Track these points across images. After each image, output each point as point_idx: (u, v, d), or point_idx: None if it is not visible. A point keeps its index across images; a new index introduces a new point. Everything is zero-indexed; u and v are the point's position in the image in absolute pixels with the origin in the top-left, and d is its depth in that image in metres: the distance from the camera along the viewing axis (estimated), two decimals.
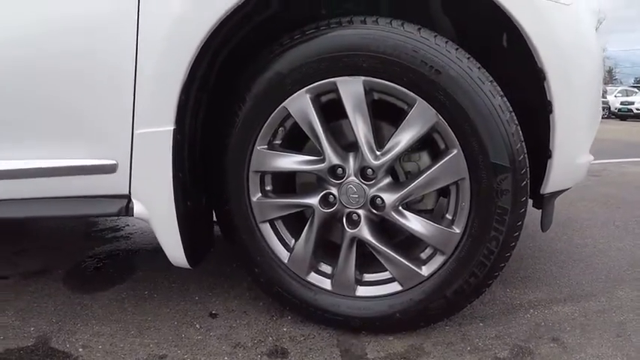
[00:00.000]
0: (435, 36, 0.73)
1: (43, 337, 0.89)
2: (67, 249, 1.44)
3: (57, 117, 0.77)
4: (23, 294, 1.10)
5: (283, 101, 0.78)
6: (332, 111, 0.81)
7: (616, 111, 13.85)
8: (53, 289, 1.12)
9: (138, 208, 0.79)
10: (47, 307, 1.02)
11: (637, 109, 13.27)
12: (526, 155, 0.76)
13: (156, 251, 1.33)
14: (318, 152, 0.81)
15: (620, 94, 14.75)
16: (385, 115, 0.82)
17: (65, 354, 0.83)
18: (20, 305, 1.03)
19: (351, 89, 0.75)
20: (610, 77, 41.35)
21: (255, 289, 1.03)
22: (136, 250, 1.41)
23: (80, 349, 0.85)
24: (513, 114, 0.76)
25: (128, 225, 1.68)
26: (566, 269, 1.25)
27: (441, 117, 0.73)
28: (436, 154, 0.81)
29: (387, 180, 0.80)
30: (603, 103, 12.92)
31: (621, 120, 13.66)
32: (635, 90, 15.58)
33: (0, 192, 0.83)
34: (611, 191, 2.39)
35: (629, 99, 13.93)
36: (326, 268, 0.89)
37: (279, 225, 0.88)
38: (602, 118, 10.24)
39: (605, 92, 13.27)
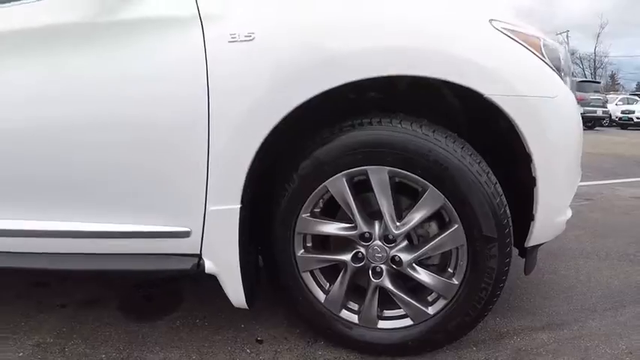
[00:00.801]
0: (446, 137, 0.99)
1: None
2: (113, 279, 1.67)
3: (144, 195, 1.02)
4: (85, 322, 1.33)
5: (324, 182, 1.03)
6: (362, 184, 1.06)
7: (617, 120, 14.12)
8: (112, 318, 1.35)
9: (208, 265, 1.04)
10: (111, 335, 1.26)
11: (637, 118, 13.59)
12: (511, 228, 1.02)
13: (195, 280, 1.58)
14: (350, 219, 1.07)
15: (621, 102, 15.04)
16: (404, 191, 1.07)
17: None
18: (85, 333, 1.27)
19: (378, 176, 1.00)
20: (613, 82, 41.58)
21: (290, 318, 1.28)
22: (176, 278, 1.65)
23: None
24: (503, 197, 1.01)
25: None
26: (549, 299, 1.51)
27: (447, 200, 0.99)
28: (442, 224, 1.07)
29: (404, 243, 1.06)
30: (604, 112, 13.20)
31: (622, 129, 13.95)
32: (636, 98, 15.88)
33: (97, 248, 1.08)
34: (601, 218, 2.64)
35: (630, 107, 14.25)
36: (354, 306, 1.15)
37: (318, 273, 1.14)
38: (604, 126, 10.47)
39: (605, 102, 13.53)
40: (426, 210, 1.01)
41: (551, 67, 1.09)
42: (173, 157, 0.98)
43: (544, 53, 1.09)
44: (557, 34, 35.66)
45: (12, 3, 1.15)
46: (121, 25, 1.00)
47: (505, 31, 1.03)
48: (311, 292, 1.13)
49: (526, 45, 1.04)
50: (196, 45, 0.94)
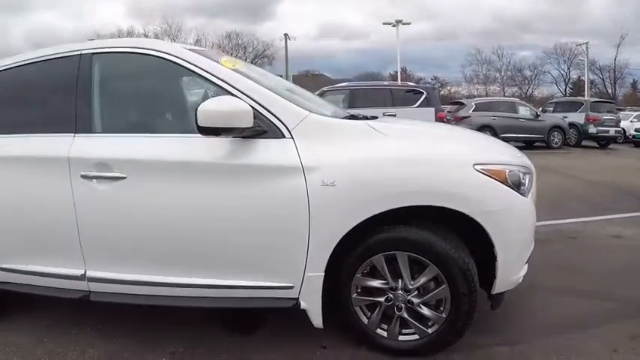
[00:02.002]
0: (442, 238, 1.81)
1: None
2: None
3: (270, 266, 1.86)
4: (205, 337, 2.19)
5: (371, 258, 1.87)
6: (392, 258, 1.89)
7: (630, 137, 14.64)
8: (222, 334, 2.21)
9: (302, 304, 1.88)
10: (225, 346, 2.12)
11: None
12: (477, 286, 1.84)
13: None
14: (384, 278, 1.89)
15: (635, 120, 15.54)
16: (416, 263, 1.90)
17: None
18: (206, 344, 2.13)
19: (402, 257, 1.84)
20: (634, 91, 41.41)
21: (346, 334, 2.09)
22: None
23: None
24: (474, 270, 1.84)
25: None
26: (509, 324, 2.29)
27: (440, 272, 1.81)
28: (437, 284, 1.88)
29: (415, 292, 1.89)
30: (616, 132, 13.76)
31: (636, 146, 14.47)
32: None
33: (237, 293, 1.92)
34: (575, 257, 3.36)
35: None
36: (384, 326, 1.97)
37: (364, 307, 1.97)
38: (618, 143, 11.10)
39: (619, 121, 14.08)
40: (427, 276, 1.85)
41: (510, 187, 1.89)
42: (287, 247, 1.84)
43: (507, 178, 1.90)
44: (577, 45, 35.10)
45: (174, 135, 2.02)
46: (230, 166, 1.84)
47: (482, 171, 1.84)
48: (360, 318, 1.97)
49: (494, 176, 1.86)
50: (301, 185, 1.78)
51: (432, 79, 46.69)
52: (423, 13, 58.23)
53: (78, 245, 2.09)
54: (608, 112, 14.08)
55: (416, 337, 1.95)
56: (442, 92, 39.86)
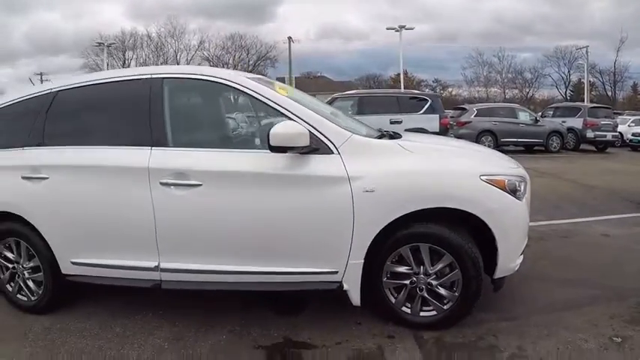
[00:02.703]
0: (455, 232, 2.32)
1: None
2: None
3: (320, 254, 2.36)
4: (257, 317, 2.69)
5: (399, 249, 2.38)
6: (416, 249, 2.39)
7: (628, 141, 15.18)
8: (271, 313, 2.71)
9: (345, 286, 2.38)
10: (274, 323, 2.63)
11: None
12: (482, 271, 2.35)
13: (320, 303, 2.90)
14: (409, 265, 2.39)
15: (633, 124, 16.09)
16: (435, 252, 2.40)
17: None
18: (260, 322, 2.63)
19: (424, 247, 2.35)
20: (635, 94, 42.06)
21: (376, 312, 2.58)
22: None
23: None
24: (480, 258, 2.34)
25: None
26: (509, 304, 2.79)
27: (454, 259, 2.33)
28: (451, 269, 2.39)
29: (434, 276, 2.39)
30: (614, 136, 14.31)
31: (633, 150, 15.02)
32: None
33: (288, 279, 2.42)
34: (566, 252, 3.85)
35: None
36: (408, 305, 2.47)
37: (392, 289, 2.47)
38: (616, 147, 11.74)
39: (616, 126, 14.64)
40: (444, 263, 2.36)
41: (509, 192, 2.41)
42: (335, 240, 2.34)
43: (506, 186, 2.42)
44: (577, 49, 35.64)
45: (242, 150, 2.52)
46: (289, 176, 2.34)
47: (487, 180, 2.37)
48: (389, 298, 2.47)
49: (496, 184, 2.38)
50: (348, 191, 2.29)
51: (433, 82, 47.20)
52: (424, 14, 58.95)
53: (154, 241, 2.54)
54: (605, 117, 14.65)
55: (434, 313, 2.45)
56: (443, 94, 40.36)
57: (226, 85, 2.59)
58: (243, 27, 69.80)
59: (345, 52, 63.87)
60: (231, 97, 2.69)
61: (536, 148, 13.81)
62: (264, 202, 2.35)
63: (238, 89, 2.56)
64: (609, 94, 41.43)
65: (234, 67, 42.44)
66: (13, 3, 51.12)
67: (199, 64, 41.94)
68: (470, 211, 2.32)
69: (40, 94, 3.00)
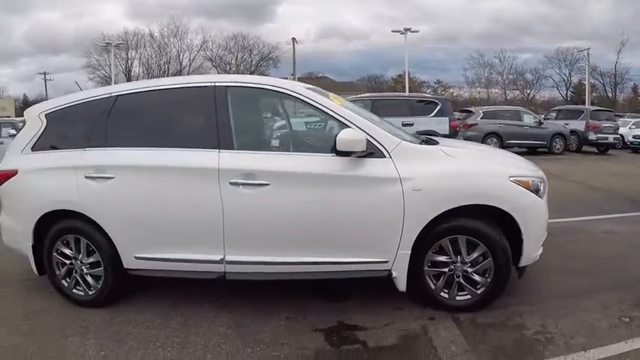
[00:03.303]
0: (488, 224, 2.75)
1: None
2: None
3: (373, 246, 2.77)
4: (310, 305, 3.10)
5: (439, 240, 2.80)
6: (455, 241, 2.81)
7: (629, 143, 15.65)
8: (317, 301, 3.13)
9: (394, 274, 2.80)
10: (325, 310, 3.05)
11: None
12: (511, 260, 2.77)
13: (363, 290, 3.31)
14: (448, 254, 2.81)
15: (634, 126, 16.55)
16: (470, 243, 2.82)
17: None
18: (312, 308, 3.05)
19: (461, 239, 2.78)
20: (635, 95, 42.59)
21: (415, 297, 2.99)
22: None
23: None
24: (509, 248, 2.76)
25: None
26: (528, 291, 3.21)
27: (487, 249, 2.75)
28: (484, 258, 2.81)
29: (469, 264, 2.81)
30: (615, 139, 14.77)
31: (634, 152, 15.49)
32: None
33: (343, 268, 2.82)
34: (573, 248, 4.29)
35: None
36: (445, 290, 2.89)
37: (431, 276, 2.89)
38: (617, 148, 12.29)
39: (617, 128, 15.10)
40: (478, 252, 2.78)
41: (533, 191, 2.84)
42: (388, 233, 2.74)
43: (530, 185, 2.84)
44: (579, 51, 36.10)
45: (305, 153, 2.91)
46: (347, 177, 2.74)
47: (515, 181, 2.79)
48: (429, 285, 2.89)
49: (522, 184, 2.81)
50: (399, 191, 2.69)
51: (435, 83, 47.61)
52: (423, 15, 59.43)
53: (221, 236, 2.83)
54: (607, 119, 15.14)
55: (468, 297, 2.88)
56: (444, 95, 40.82)
57: (287, 94, 2.97)
58: (242, 27, 70.06)
59: (345, 52, 64.53)
60: (291, 105, 3.07)
61: (539, 149, 14.27)
62: (324, 200, 2.74)
63: (299, 98, 2.93)
64: (610, 95, 42.07)
65: (237, 67, 42.96)
66: (14, 3, 51.43)
67: (201, 64, 42.37)
68: (501, 207, 2.75)
69: (99, 97, 3.23)
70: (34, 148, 3.25)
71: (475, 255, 2.81)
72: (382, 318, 2.86)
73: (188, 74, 42.13)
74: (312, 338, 2.68)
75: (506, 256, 2.78)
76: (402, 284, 2.81)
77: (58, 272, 3.19)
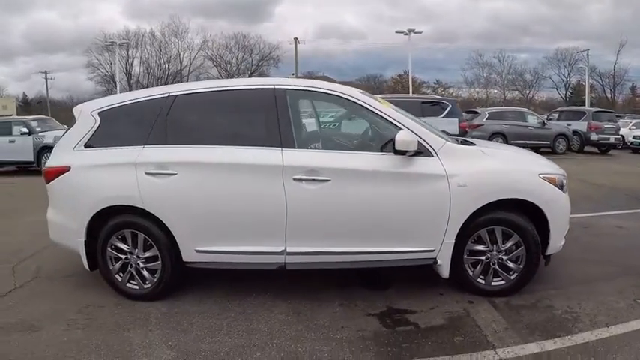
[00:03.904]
0: (521, 216, 3.17)
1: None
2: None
3: (420, 236, 3.15)
4: (360, 293, 3.52)
5: (478, 231, 3.20)
6: (492, 231, 3.21)
7: (629, 144, 16.16)
8: (363, 288, 3.52)
9: (439, 262, 3.18)
10: (372, 297, 3.45)
11: None
12: (540, 248, 3.18)
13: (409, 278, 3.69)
14: (485, 244, 3.21)
15: (634, 127, 17.08)
16: (504, 233, 3.23)
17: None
18: (362, 296, 3.45)
19: (498, 229, 3.19)
20: (633, 95, 43.31)
21: (453, 284, 3.38)
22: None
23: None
24: (538, 237, 3.17)
25: None
26: (554, 277, 3.61)
27: (520, 238, 3.17)
28: (517, 246, 3.22)
29: (504, 252, 3.22)
30: (616, 139, 15.28)
31: (634, 152, 16.02)
32: None
33: (386, 257, 3.20)
34: (588, 240, 4.71)
35: None
36: (482, 277, 3.29)
37: (470, 264, 3.29)
38: (617, 149, 12.85)
39: (618, 129, 15.61)
40: (512, 242, 3.20)
41: (558, 187, 3.27)
42: (435, 224, 3.12)
43: (557, 182, 3.27)
44: (578, 52, 36.73)
45: (362, 152, 3.30)
46: (401, 173, 3.12)
47: (543, 178, 3.21)
48: (468, 272, 3.29)
49: (550, 181, 3.24)
50: (446, 186, 3.08)
51: (434, 83, 48.14)
52: (422, 16, 60.12)
53: (283, 229, 3.09)
54: (608, 120, 15.65)
55: (502, 282, 3.28)
56: (444, 95, 41.33)
57: (342, 97, 3.30)
58: (240, 27, 70.97)
59: (344, 52, 65.20)
60: (346, 108, 3.41)
61: (543, 149, 14.72)
62: (380, 194, 3.10)
63: (353, 102, 3.28)
64: (608, 96, 42.77)
65: (238, 67, 43.34)
66: (12, 1, 51.52)
67: (202, 64, 42.77)
68: (532, 201, 3.16)
69: (156, 96, 3.40)
70: (87, 145, 3.36)
71: (509, 244, 3.20)
72: (426, 302, 3.24)
73: (189, 73, 43.36)
74: (368, 322, 2.99)
75: (537, 245, 3.19)
76: (445, 271, 3.19)
77: (111, 267, 3.32)
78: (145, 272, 3.28)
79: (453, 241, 3.13)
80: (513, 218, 3.17)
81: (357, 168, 3.12)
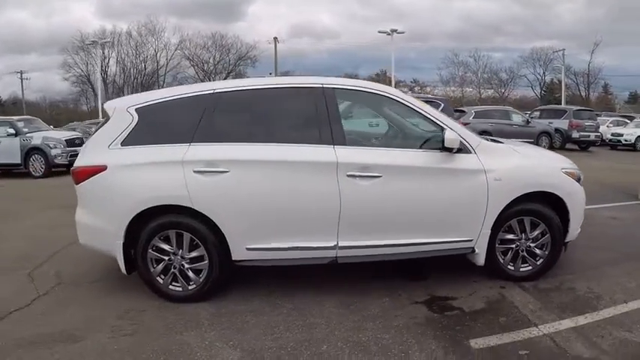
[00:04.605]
0: (547, 207, 3.63)
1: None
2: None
3: (460, 227, 3.53)
4: (405, 285, 3.89)
5: (509, 221, 3.63)
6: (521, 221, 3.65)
7: (607, 141, 17.24)
8: (404, 281, 3.90)
9: (477, 250, 3.58)
10: (417, 287, 3.83)
11: (625, 140, 16.91)
12: (562, 235, 3.63)
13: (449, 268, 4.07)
14: (515, 233, 3.64)
15: (611, 125, 18.24)
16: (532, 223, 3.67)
17: None
18: (406, 288, 3.83)
19: (527, 219, 3.63)
20: (606, 93, 45.69)
21: (484, 270, 3.78)
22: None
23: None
24: (561, 226, 3.63)
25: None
26: (568, 262, 4.08)
27: (546, 227, 3.63)
28: (543, 234, 3.67)
29: (531, 240, 3.67)
30: (596, 137, 16.29)
31: (612, 149, 17.13)
32: (626, 120, 19.28)
33: (431, 248, 3.56)
34: (590, 230, 5.20)
35: (619, 130, 17.66)
36: (511, 264, 3.72)
37: (501, 252, 3.71)
38: (596, 146, 13.85)
39: (598, 127, 16.66)
40: (539, 230, 3.66)
41: (576, 180, 3.77)
42: (475, 215, 3.50)
43: (576, 176, 3.79)
44: (554, 52, 38.52)
45: (410, 149, 3.58)
46: (445, 169, 3.49)
47: (565, 172, 3.71)
48: (499, 259, 3.71)
49: (571, 175, 3.75)
50: (484, 180, 3.46)
51: (411, 82, 49.23)
52: (395, 15, 61.49)
53: (336, 224, 3.27)
54: (589, 118, 16.68)
55: (530, 268, 3.72)
56: (421, 94, 42.34)
57: (387, 97, 3.61)
58: (214, 26, 71.87)
59: (318, 51, 65.86)
60: (391, 107, 3.72)
61: None
62: (426, 188, 3.42)
63: (398, 101, 3.59)
64: (583, 94, 44.92)
65: (215, 66, 43.30)
66: None
67: (179, 63, 42.77)
68: (556, 193, 3.62)
69: (200, 93, 3.44)
70: (124, 143, 3.32)
71: (536, 233, 3.65)
72: (464, 289, 3.62)
73: (165, 73, 43.37)
74: (417, 309, 3.29)
75: (560, 233, 3.65)
76: (481, 259, 3.59)
77: (152, 269, 3.32)
78: (190, 273, 3.33)
79: (489, 231, 3.53)
80: (541, 209, 3.61)
81: (406, 164, 3.42)
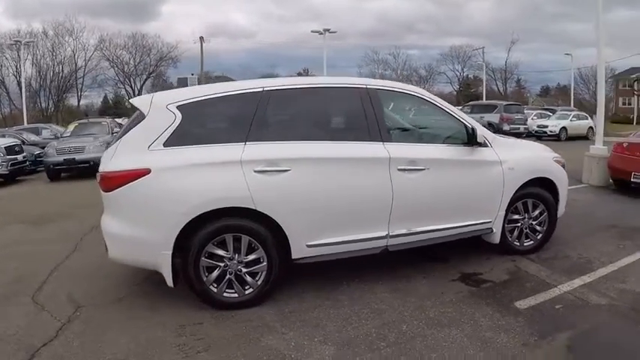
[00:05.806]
0: (546, 191, 4.52)
1: None
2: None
3: (483, 211, 4.23)
4: (432, 269, 4.55)
5: (515, 203, 4.43)
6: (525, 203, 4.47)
7: (534, 132, 19.64)
8: (425, 263, 4.57)
9: (494, 230, 4.32)
10: (437, 271, 4.51)
11: (550, 131, 19.43)
12: (557, 211, 4.54)
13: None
14: (520, 213, 4.46)
15: (535, 117, 20.81)
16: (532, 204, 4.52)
17: None
18: (430, 273, 4.49)
19: (530, 201, 4.48)
20: (519, 88, 51.24)
21: (494, 248, 4.55)
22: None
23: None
24: (555, 204, 4.54)
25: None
26: (559, 238, 5.01)
27: (544, 207, 4.51)
28: (542, 213, 4.55)
29: (533, 219, 4.52)
30: (525, 128, 18.55)
31: (538, 139, 19.49)
32: (548, 113, 22.16)
33: (456, 232, 4.23)
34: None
35: (544, 122, 20.28)
36: (517, 240, 4.54)
37: (508, 230, 4.49)
38: (522, 137, 15.95)
39: (526, 120, 18.96)
40: (539, 210, 4.54)
41: (562, 167, 4.74)
42: (493, 200, 4.23)
43: (561, 163, 4.74)
44: (474, 50, 42.27)
45: (444, 144, 4.23)
46: (473, 161, 4.18)
47: (555, 160, 4.65)
48: (508, 237, 4.50)
49: (559, 163, 4.70)
50: (500, 170, 4.20)
51: None
52: (311, 14, 63.63)
53: (388, 215, 3.67)
54: (517, 112, 18.88)
55: (531, 242, 4.57)
56: None
57: (419, 97, 4.18)
58: (127, 25, 71.38)
59: (233, 51, 66.15)
60: (423, 106, 4.28)
61: None
62: (461, 178, 4.05)
63: (429, 101, 4.17)
64: (500, 89, 49.93)
65: (135, 67, 41.86)
66: None
67: (98, 64, 42.00)
68: (550, 178, 4.52)
69: (249, 91, 3.50)
70: (167, 144, 3.24)
71: (537, 212, 4.51)
72: (484, 265, 4.35)
73: (84, 75, 42.17)
74: (457, 286, 3.88)
75: (555, 211, 4.56)
76: (497, 238, 4.35)
77: (205, 278, 3.29)
78: (247, 277, 3.37)
79: (504, 213, 4.30)
80: (541, 192, 4.49)
81: (445, 157, 4.03)
